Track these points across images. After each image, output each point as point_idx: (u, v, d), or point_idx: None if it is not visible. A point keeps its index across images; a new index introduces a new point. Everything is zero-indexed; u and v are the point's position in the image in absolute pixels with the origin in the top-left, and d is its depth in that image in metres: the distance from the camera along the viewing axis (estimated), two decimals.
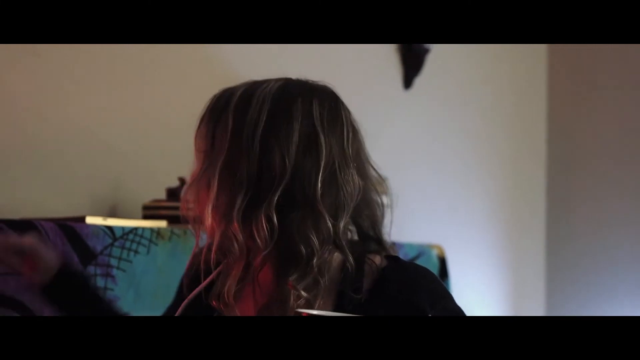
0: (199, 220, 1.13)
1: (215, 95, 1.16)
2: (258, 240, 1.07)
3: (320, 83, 1.15)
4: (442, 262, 2.26)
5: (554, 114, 3.13)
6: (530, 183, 3.12)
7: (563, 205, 3.11)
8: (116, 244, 1.58)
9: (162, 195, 1.85)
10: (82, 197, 1.83)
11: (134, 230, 1.61)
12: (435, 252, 2.24)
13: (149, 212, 1.81)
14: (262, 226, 1.07)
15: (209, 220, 1.09)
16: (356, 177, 1.11)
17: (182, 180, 1.84)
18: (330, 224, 1.09)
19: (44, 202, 1.74)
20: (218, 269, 1.14)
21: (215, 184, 1.08)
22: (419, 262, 2.13)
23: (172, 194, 1.83)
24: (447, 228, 2.65)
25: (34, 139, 1.76)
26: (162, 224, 1.66)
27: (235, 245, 1.08)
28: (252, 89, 1.12)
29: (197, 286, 1.17)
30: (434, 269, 2.21)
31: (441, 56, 2.64)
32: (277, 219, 1.07)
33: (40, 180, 1.76)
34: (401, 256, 2.07)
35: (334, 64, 2.38)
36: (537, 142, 3.14)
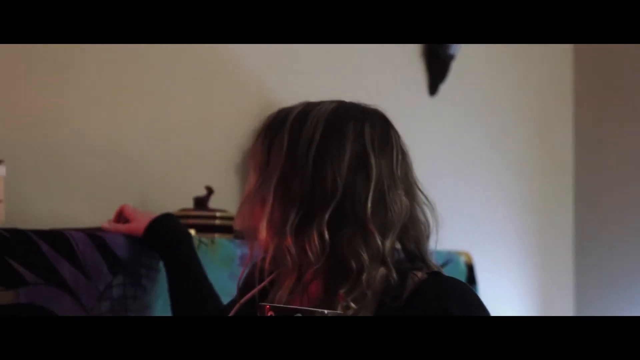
0: (252, 234, 1.18)
1: (271, 115, 1.21)
2: (310, 255, 1.12)
3: (372, 107, 1.21)
4: (470, 269, 2.25)
5: (580, 117, 3.11)
6: (557, 188, 3.10)
7: (591, 210, 3.08)
8: (145, 253, 1.59)
9: (190, 204, 1.86)
10: (111, 208, 1.84)
11: None
12: (463, 259, 2.23)
13: None
14: (315, 241, 1.12)
15: (263, 234, 1.14)
16: (404, 198, 1.17)
17: (209, 189, 1.85)
18: (379, 242, 1.13)
19: (73, 213, 1.75)
20: (269, 277, 1.20)
21: (270, 199, 1.14)
22: (447, 269, 2.12)
23: (200, 203, 1.85)
24: (474, 235, 2.64)
25: (62, 150, 1.78)
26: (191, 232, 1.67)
27: (289, 258, 1.13)
28: (307, 109, 1.18)
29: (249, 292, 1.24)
30: (462, 276, 2.20)
31: (466, 62, 2.63)
32: (328, 235, 1.12)
33: (68, 192, 1.78)
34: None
35: (360, 71, 2.39)
36: (564, 146, 3.12)
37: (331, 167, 1.13)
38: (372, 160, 1.14)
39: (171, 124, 1.97)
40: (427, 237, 1.21)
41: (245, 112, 2.12)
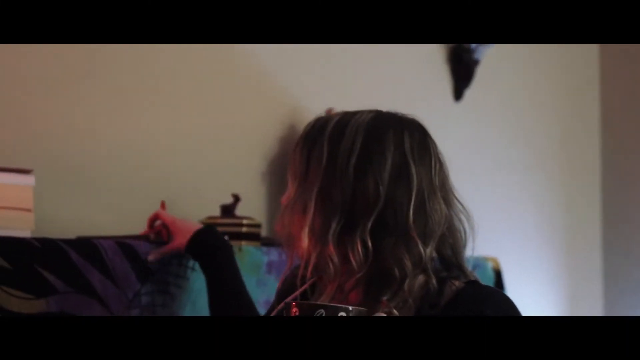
0: (293, 242, 1.19)
1: (309, 124, 1.22)
2: (353, 263, 1.13)
3: (410, 116, 1.23)
4: (498, 274, 2.24)
5: (607, 119, 3.08)
6: (584, 191, 3.08)
7: (618, 215, 3.05)
8: (174, 261, 1.60)
9: (217, 212, 1.87)
10: (138, 216, 1.86)
11: None
12: (490, 265, 2.22)
13: None
14: (358, 250, 1.13)
15: (305, 242, 1.15)
16: (443, 206, 1.18)
17: (235, 197, 1.86)
18: (422, 249, 1.14)
19: (101, 222, 1.76)
20: (309, 282, 1.21)
21: (312, 208, 1.15)
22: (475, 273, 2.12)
23: (227, 210, 1.85)
24: (502, 240, 2.62)
25: (90, 159, 1.79)
26: None
27: (331, 266, 1.14)
28: (346, 119, 1.18)
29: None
30: (489, 282, 2.19)
31: (491, 67, 2.62)
32: (371, 244, 1.14)
33: (97, 200, 1.79)
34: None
35: (384, 77, 2.39)
36: (591, 149, 3.09)
37: (373, 176, 1.14)
38: (413, 169, 1.15)
39: (197, 132, 1.98)
40: (464, 245, 1.22)
41: (271, 120, 2.13)
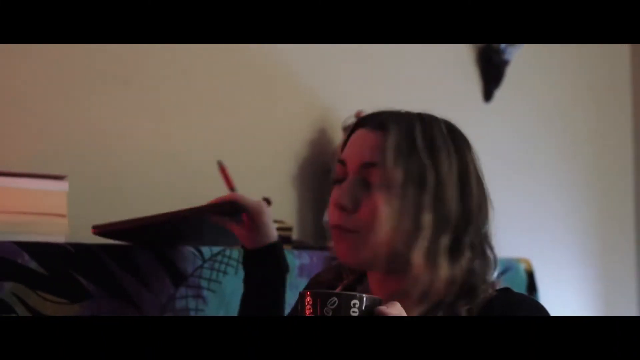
0: (396, 259, 1.15)
1: (385, 125, 1.17)
2: (458, 278, 1.13)
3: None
4: (530, 276, 2.22)
5: (639, 119, 3.05)
6: (617, 191, 3.05)
7: None
8: (205, 265, 1.61)
9: None
10: None
11: (222, 251, 1.64)
12: (522, 266, 2.21)
13: None
14: (462, 264, 1.14)
15: (419, 261, 1.12)
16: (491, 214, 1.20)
17: (266, 201, 1.86)
18: (494, 262, 1.18)
19: None
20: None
21: (425, 225, 1.12)
22: (506, 276, 2.11)
23: None
24: (534, 241, 2.61)
25: (122, 164, 1.81)
26: None
27: (441, 280, 1.13)
28: (429, 127, 1.17)
29: None
30: (522, 283, 2.17)
31: (521, 67, 2.61)
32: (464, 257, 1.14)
33: (129, 205, 1.80)
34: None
35: (414, 78, 2.38)
36: (623, 149, 3.07)
37: (470, 189, 1.16)
38: (484, 182, 1.19)
39: (228, 136, 1.99)
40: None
41: (301, 123, 2.13)
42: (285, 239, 1.83)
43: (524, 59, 2.61)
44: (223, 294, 1.61)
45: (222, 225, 1.48)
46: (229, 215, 1.48)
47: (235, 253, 1.65)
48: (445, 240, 1.13)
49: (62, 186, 1.54)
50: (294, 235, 1.93)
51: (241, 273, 1.64)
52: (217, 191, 1.95)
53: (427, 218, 1.12)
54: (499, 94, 2.58)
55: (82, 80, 1.77)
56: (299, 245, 1.85)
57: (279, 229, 1.82)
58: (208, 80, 1.97)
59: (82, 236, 1.55)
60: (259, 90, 2.06)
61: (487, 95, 2.56)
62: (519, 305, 1.15)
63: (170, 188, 1.88)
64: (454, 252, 1.14)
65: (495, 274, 1.20)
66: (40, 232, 1.50)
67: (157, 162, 1.86)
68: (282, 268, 1.51)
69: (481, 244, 1.16)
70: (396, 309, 1.02)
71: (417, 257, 1.12)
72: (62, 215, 1.54)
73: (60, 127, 1.73)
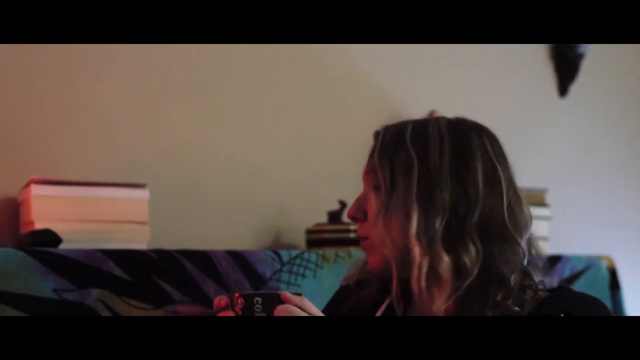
0: (396, 250, 1.15)
1: (379, 133, 1.21)
2: (467, 263, 1.11)
3: (477, 121, 1.21)
4: (613, 273, 2.17)
5: None
6: None
7: None
8: (284, 268, 1.62)
9: (324, 219, 1.89)
10: (248, 226, 1.90)
11: (300, 254, 1.65)
12: (604, 264, 2.16)
13: (313, 236, 1.85)
14: (469, 249, 1.12)
15: (415, 249, 1.12)
16: (526, 208, 1.17)
17: (342, 203, 1.87)
18: (523, 247, 1.14)
19: (214, 233, 1.81)
20: (391, 299, 1.17)
21: (415, 211, 1.12)
22: (587, 274, 2.07)
23: (334, 217, 1.87)
24: (615, 238, 2.55)
25: (201, 171, 1.84)
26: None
27: (444, 266, 1.12)
28: (421, 124, 1.17)
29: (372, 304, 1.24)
30: (604, 281, 2.13)
31: (596, 60, 2.56)
32: (481, 246, 1.12)
33: (208, 212, 1.83)
34: (568, 269, 2.02)
35: (487, 74, 2.36)
36: None
37: (470, 177, 1.13)
38: (500, 173, 1.15)
39: (303, 141, 2.00)
40: (537, 246, 1.21)
41: (374, 124, 2.12)
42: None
43: (599, 52, 2.55)
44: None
45: None
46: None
47: (314, 256, 1.66)
48: (438, 226, 1.11)
49: (143, 194, 1.58)
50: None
51: (319, 275, 1.65)
52: (292, 195, 1.97)
53: (416, 206, 1.12)
54: (575, 88, 2.53)
55: (160, 89, 1.81)
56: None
57: (355, 230, 1.83)
58: (282, 85, 1.99)
59: (162, 242, 1.58)
60: (330, 93, 2.07)
61: (562, 90, 2.51)
62: (574, 305, 1.13)
63: (249, 195, 1.90)
64: (454, 238, 1.12)
65: (540, 263, 1.18)
66: (123, 239, 1.54)
67: (236, 168, 1.89)
68: None
69: (502, 231, 1.13)
70: (298, 302, 1.07)
71: (412, 245, 1.12)
72: (144, 223, 1.57)
73: (140, 137, 1.77)
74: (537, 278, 1.16)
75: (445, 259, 1.12)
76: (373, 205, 1.18)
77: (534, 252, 1.19)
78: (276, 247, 1.89)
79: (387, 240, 1.14)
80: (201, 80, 1.86)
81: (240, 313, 1.08)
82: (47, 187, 1.51)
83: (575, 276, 2.02)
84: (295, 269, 1.64)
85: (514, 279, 1.12)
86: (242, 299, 1.09)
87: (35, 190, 1.50)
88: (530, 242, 1.19)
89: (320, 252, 1.68)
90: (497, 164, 1.15)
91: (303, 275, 1.64)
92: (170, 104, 1.82)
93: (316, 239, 1.83)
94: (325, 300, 1.64)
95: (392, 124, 1.21)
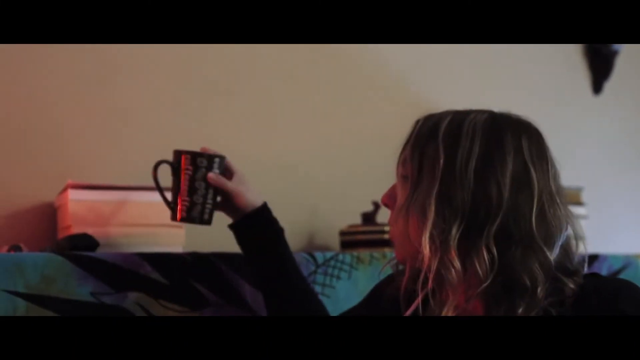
0: (409, 247, 1.14)
1: (417, 122, 1.19)
2: (479, 271, 1.08)
3: (524, 118, 1.17)
4: None
5: None
6: None
7: None
8: (319, 270, 1.63)
9: (358, 220, 1.89)
10: (283, 227, 1.90)
11: (334, 256, 1.65)
12: None
13: (346, 237, 1.85)
14: (483, 257, 1.08)
15: (426, 249, 1.09)
16: (561, 212, 1.13)
17: (376, 204, 1.87)
18: (549, 257, 1.10)
19: None
20: (422, 293, 1.15)
21: (432, 212, 1.09)
22: (625, 273, 2.05)
23: (368, 218, 1.87)
24: None
25: None
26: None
27: (453, 273, 1.09)
28: (459, 118, 1.14)
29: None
30: None
31: (631, 57, 2.53)
32: (496, 251, 1.09)
33: None
34: (605, 268, 2.00)
35: (520, 72, 2.35)
36: None
37: (494, 180, 1.09)
38: (533, 175, 1.10)
39: (336, 142, 2.01)
40: (577, 248, 1.17)
41: (406, 124, 2.12)
42: None
43: (634, 49, 2.53)
44: (337, 298, 1.62)
45: (219, 185, 1.39)
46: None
47: (348, 257, 1.66)
48: (454, 230, 1.08)
49: None
50: None
51: (354, 277, 1.66)
52: (325, 197, 1.97)
53: (434, 206, 1.09)
54: (609, 85, 2.51)
55: (194, 92, 1.82)
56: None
57: (389, 232, 1.83)
58: (313, 86, 1.99)
59: (197, 245, 1.59)
60: (364, 93, 2.07)
61: (597, 87, 2.49)
62: (618, 291, 1.08)
63: (282, 196, 1.90)
64: (469, 243, 1.08)
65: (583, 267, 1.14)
66: (159, 243, 1.56)
67: (269, 170, 1.90)
68: (278, 226, 1.45)
69: (528, 238, 1.09)
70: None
71: (424, 244, 1.09)
72: (179, 226, 1.58)
73: (174, 140, 1.78)
74: (572, 285, 1.11)
75: (456, 265, 1.08)
76: (398, 196, 1.17)
77: (572, 255, 1.15)
78: (310, 249, 1.89)
79: (405, 236, 1.13)
80: (233, 82, 1.87)
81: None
82: (84, 192, 1.53)
83: (612, 275, 2.00)
84: (330, 270, 1.64)
85: (540, 290, 1.08)
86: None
87: (73, 195, 1.52)
88: (568, 245, 1.15)
89: (355, 253, 1.68)
90: (530, 165, 1.11)
91: (338, 277, 1.65)
92: (203, 107, 1.83)
93: (350, 241, 1.83)
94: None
95: (433, 113, 1.19)
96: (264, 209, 1.44)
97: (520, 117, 1.16)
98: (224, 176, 1.41)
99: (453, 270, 1.09)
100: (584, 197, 2.17)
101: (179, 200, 1.38)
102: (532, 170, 1.11)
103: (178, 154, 1.38)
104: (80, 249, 1.44)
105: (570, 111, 2.44)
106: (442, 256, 1.09)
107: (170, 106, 1.79)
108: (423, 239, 1.09)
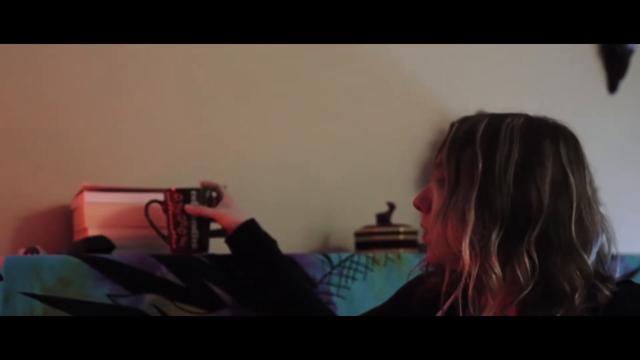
0: (448, 252, 1.13)
1: (454, 125, 1.17)
2: (520, 278, 1.08)
3: (561, 122, 1.16)
4: None
5: None
6: None
7: None
8: (334, 271, 1.63)
9: (373, 221, 1.89)
10: (297, 229, 1.90)
11: (350, 257, 1.65)
12: None
13: (362, 238, 1.85)
14: (524, 263, 1.08)
15: (466, 254, 1.09)
16: (598, 217, 1.13)
17: (391, 205, 1.87)
18: (589, 265, 1.09)
19: None
20: (453, 295, 1.16)
21: (472, 217, 1.09)
22: None
23: (383, 219, 1.87)
24: None
25: (249, 174, 1.85)
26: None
27: (494, 279, 1.09)
28: (496, 122, 1.13)
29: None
30: None
31: None
32: (537, 258, 1.08)
33: (258, 216, 1.84)
34: (622, 268, 1.98)
35: (534, 72, 2.34)
36: None
37: (534, 186, 1.09)
38: (571, 180, 1.10)
39: (350, 143, 2.01)
40: (609, 253, 1.16)
41: (421, 125, 2.13)
42: (411, 243, 1.83)
43: None
44: (352, 299, 1.62)
45: (197, 213, 1.50)
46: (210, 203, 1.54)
47: (363, 259, 1.66)
48: (495, 236, 1.07)
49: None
50: (420, 239, 1.92)
51: (370, 278, 1.65)
52: (340, 198, 1.97)
53: (473, 212, 1.08)
54: (624, 84, 2.49)
55: (209, 94, 1.82)
56: (426, 249, 1.84)
57: (405, 233, 1.83)
58: (328, 87, 1.99)
59: (213, 247, 1.59)
60: (377, 94, 2.07)
61: (612, 86, 2.48)
62: None
63: (297, 198, 1.91)
64: (510, 249, 1.08)
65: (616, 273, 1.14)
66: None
67: (284, 172, 1.90)
68: (269, 237, 1.50)
69: (567, 244, 1.08)
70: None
71: (464, 251, 1.08)
72: None
73: (189, 142, 1.79)
74: (606, 292, 1.10)
75: (497, 271, 1.08)
76: (435, 200, 1.16)
77: (606, 261, 1.14)
78: (325, 250, 1.89)
79: (443, 242, 1.12)
80: (245, 83, 1.87)
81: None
82: (100, 194, 1.53)
83: (629, 275, 1.99)
84: (345, 271, 1.64)
85: (578, 295, 1.07)
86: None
87: (88, 197, 1.52)
88: (601, 250, 1.14)
89: (370, 254, 1.68)
90: (569, 172, 1.10)
91: (353, 278, 1.65)
92: (218, 109, 1.83)
93: (365, 242, 1.83)
94: (376, 302, 1.64)
95: (469, 116, 1.18)
96: (248, 224, 1.49)
97: (556, 121, 1.16)
98: (216, 203, 1.53)
99: (494, 276, 1.08)
100: (600, 196, 2.15)
101: (172, 233, 1.51)
102: (570, 175, 1.10)
103: (164, 192, 1.51)
104: (96, 251, 1.45)
105: (586, 110, 2.43)
106: (482, 262, 1.08)
107: (185, 108, 1.79)
108: (463, 244, 1.09)
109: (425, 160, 2.11)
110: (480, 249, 1.08)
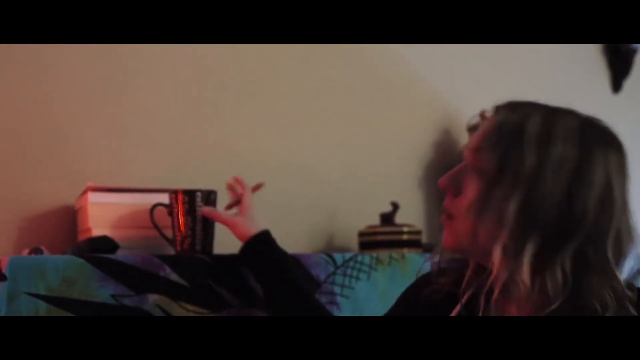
0: (477, 252, 1.07)
1: (498, 110, 1.09)
2: (550, 291, 1.01)
3: (610, 129, 1.10)
4: None
5: None
6: None
7: None
8: (338, 271, 1.63)
9: (376, 221, 1.88)
10: (301, 229, 1.90)
11: (353, 257, 1.65)
12: None
13: (365, 238, 1.85)
14: (557, 279, 1.01)
15: (497, 258, 1.02)
16: (635, 232, 1.06)
17: (394, 205, 1.87)
18: (622, 282, 1.03)
19: None
20: (466, 294, 1.12)
21: (510, 221, 1.01)
22: None
23: (386, 219, 1.87)
24: None
25: (255, 174, 1.85)
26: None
27: (522, 289, 1.02)
28: (550, 120, 1.05)
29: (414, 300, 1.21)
30: None
31: None
32: (570, 272, 1.02)
33: (262, 216, 1.84)
34: (628, 269, 1.98)
35: (538, 71, 2.33)
36: None
37: (581, 196, 1.01)
38: (616, 195, 1.03)
39: (354, 143, 2.01)
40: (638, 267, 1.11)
41: (425, 125, 2.13)
42: (415, 243, 1.83)
43: None
44: (356, 299, 1.62)
45: (212, 217, 1.52)
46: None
47: (367, 258, 1.66)
48: (532, 244, 1.01)
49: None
50: (424, 239, 1.92)
51: (374, 278, 1.65)
52: (344, 198, 1.97)
53: (513, 212, 1.00)
54: (628, 83, 2.49)
55: (213, 94, 1.83)
56: (430, 249, 1.84)
57: (409, 232, 1.82)
58: (329, 87, 1.99)
59: (217, 247, 1.59)
60: (381, 94, 2.07)
61: (616, 86, 2.48)
62: None
63: (301, 198, 1.91)
64: (544, 259, 1.01)
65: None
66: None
67: (288, 172, 1.90)
68: (280, 252, 1.49)
69: (603, 262, 1.02)
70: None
71: (495, 254, 1.01)
72: None
73: (193, 142, 1.79)
74: (632, 310, 1.04)
75: (526, 281, 1.01)
76: (470, 188, 1.06)
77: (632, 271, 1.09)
78: (329, 250, 1.89)
79: (472, 235, 1.04)
80: (251, 84, 1.88)
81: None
82: (104, 195, 1.53)
83: (634, 275, 1.99)
84: (349, 271, 1.64)
85: (609, 313, 1.01)
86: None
87: (92, 197, 1.52)
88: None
89: (374, 254, 1.68)
90: (614, 183, 1.03)
91: (357, 278, 1.64)
92: (222, 109, 1.83)
93: (369, 241, 1.83)
94: (379, 302, 1.64)
95: (515, 102, 1.08)
96: (260, 237, 1.49)
97: (607, 127, 1.10)
98: (232, 207, 1.54)
99: (522, 286, 1.02)
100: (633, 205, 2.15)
101: (176, 234, 1.52)
102: (615, 189, 1.04)
103: (169, 193, 1.52)
104: (100, 251, 1.45)
105: (590, 110, 2.41)
106: (512, 270, 1.02)
107: (189, 108, 1.79)
108: (496, 248, 1.02)
109: (429, 160, 2.10)
110: (513, 256, 1.01)
